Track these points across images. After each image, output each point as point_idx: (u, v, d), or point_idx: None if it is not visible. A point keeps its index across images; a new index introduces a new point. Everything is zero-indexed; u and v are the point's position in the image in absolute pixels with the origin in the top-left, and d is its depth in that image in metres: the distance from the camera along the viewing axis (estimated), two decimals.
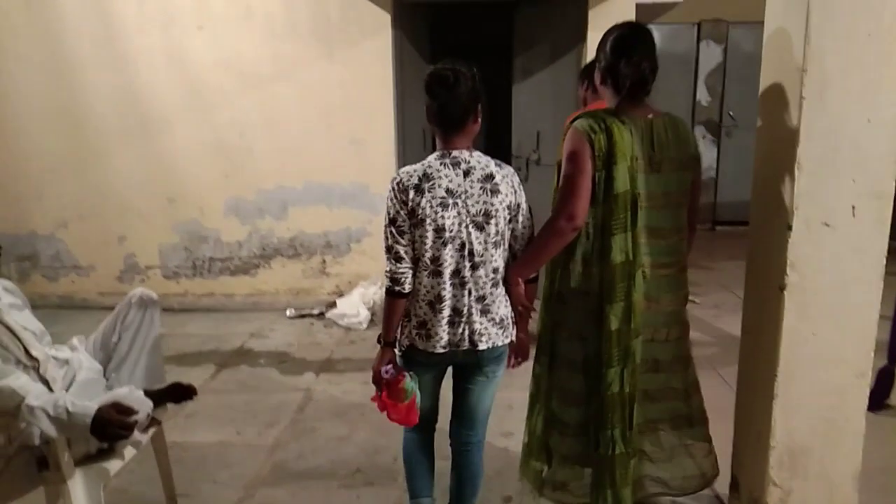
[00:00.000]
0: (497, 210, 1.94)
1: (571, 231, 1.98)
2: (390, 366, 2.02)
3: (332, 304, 4.76)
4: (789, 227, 1.98)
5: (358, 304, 4.56)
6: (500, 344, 2.03)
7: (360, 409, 3.34)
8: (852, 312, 2.02)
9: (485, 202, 1.92)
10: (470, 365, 2.07)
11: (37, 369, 2.05)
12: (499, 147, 4.70)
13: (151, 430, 2.23)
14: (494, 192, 1.94)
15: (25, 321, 2.14)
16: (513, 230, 2.02)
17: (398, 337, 2.06)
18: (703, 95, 7.50)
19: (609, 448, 2.09)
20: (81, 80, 4.70)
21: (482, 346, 2.00)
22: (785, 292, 2.01)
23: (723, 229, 7.51)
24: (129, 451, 2.10)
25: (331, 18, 4.56)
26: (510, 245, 2.04)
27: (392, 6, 4.52)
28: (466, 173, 1.93)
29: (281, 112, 4.71)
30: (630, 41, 2.05)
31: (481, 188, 1.93)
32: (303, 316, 4.79)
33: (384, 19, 4.52)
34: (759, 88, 2.16)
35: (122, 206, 4.90)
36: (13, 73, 4.71)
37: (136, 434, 2.01)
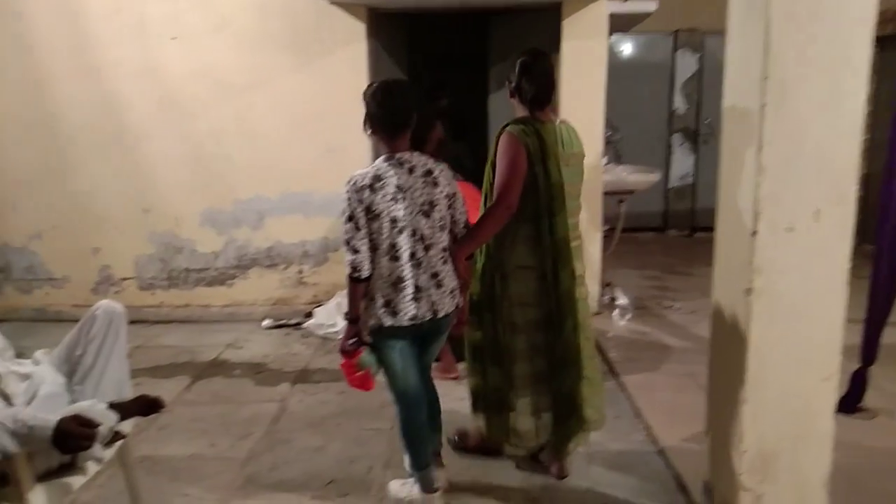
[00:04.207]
0: (438, 199, 2.32)
1: (508, 216, 2.43)
2: (355, 339, 2.35)
3: (309, 315, 4.73)
4: (754, 232, 1.99)
5: (335, 314, 4.53)
6: (451, 311, 2.42)
7: (336, 420, 3.31)
8: (818, 316, 2.04)
9: (428, 193, 2.30)
10: (431, 332, 2.43)
11: None
12: (473, 154, 4.69)
13: (117, 445, 2.19)
14: (435, 184, 2.32)
15: None
16: (452, 216, 2.40)
17: (366, 321, 2.35)
18: (679, 104, 7.55)
19: (574, 384, 2.56)
20: (55, 91, 4.65)
21: (441, 314, 2.37)
22: (752, 297, 2.02)
23: (701, 235, 7.55)
24: (92, 467, 2.05)
25: (305, 28, 4.54)
26: (451, 229, 2.42)
27: (367, 16, 4.51)
28: (410, 171, 2.29)
29: (256, 122, 4.68)
30: (529, 64, 2.52)
31: (423, 182, 2.30)
32: (279, 326, 4.75)
33: (359, 29, 4.52)
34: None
35: (96, 218, 4.84)
36: None
37: (99, 449, 1.97)
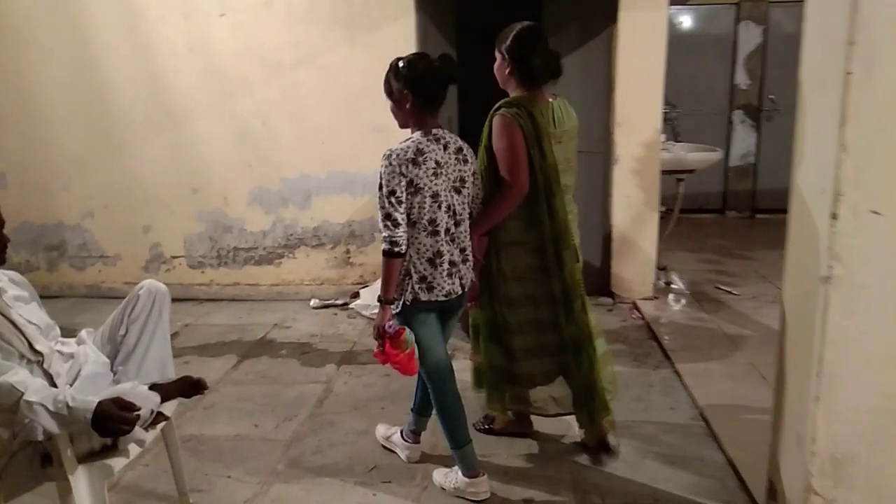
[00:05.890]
0: (468, 176, 2.37)
1: (520, 198, 2.44)
2: (393, 321, 2.31)
3: (356, 295, 4.69)
4: (834, 216, 1.81)
5: None
6: (470, 285, 2.49)
7: (381, 403, 3.25)
8: None
9: (460, 170, 2.33)
10: (455, 305, 2.47)
11: (41, 364, 2.00)
12: None
13: (159, 426, 2.16)
14: (465, 161, 2.36)
15: (31, 314, 2.09)
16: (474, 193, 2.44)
17: (398, 296, 2.33)
18: (741, 79, 7.19)
19: (591, 365, 2.57)
20: (105, 70, 4.68)
21: (466, 289, 2.44)
22: (829, 286, 1.84)
23: (763, 217, 7.23)
24: (133, 449, 2.03)
25: (352, 3, 4.44)
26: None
27: None
28: (445, 147, 2.31)
29: (303, 100, 4.62)
30: (535, 36, 2.47)
31: (456, 158, 2.32)
32: (326, 306, 4.73)
33: (407, 3, 4.39)
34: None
35: (146, 196, 4.88)
36: (38, 64, 4.71)
37: (140, 432, 1.94)
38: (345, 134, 4.64)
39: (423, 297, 2.31)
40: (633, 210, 4.55)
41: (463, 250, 2.39)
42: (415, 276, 2.30)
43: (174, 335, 4.15)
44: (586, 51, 4.53)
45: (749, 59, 7.15)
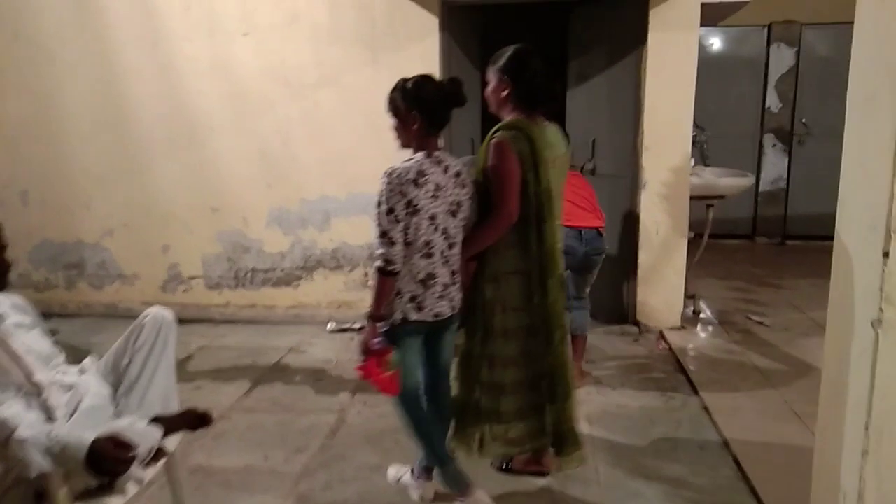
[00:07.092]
0: (464, 200, 2.37)
1: (509, 225, 2.39)
2: (380, 339, 2.29)
3: None
4: (886, 255, 1.67)
5: None
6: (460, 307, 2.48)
7: (395, 436, 3.12)
8: None
9: (457, 194, 2.34)
10: (443, 327, 2.44)
11: (39, 395, 1.91)
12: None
13: (160, 462, 2.06)
14: (463, 185, 2.37)
15: (32, 342, 2.01)
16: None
17: (387, 315, 2.32)
18: (773, 102, 7.03)
19: (564, 398, 2.50)
20: (127, 88, 4.67)
21: (456, 311, 2.43)
22: (880, 331, 1.69)
23: (793, 244, 7.02)
24: (131, 488, 1.93)
25: (376, 23, 4.39)
26: None
27: (440, 9, 4.32)
28: (445, 170, 2.31)
29: (325, 120, 4.57)
30: (532, 57, 2.44)
31: (454, 182, 2.33)
32: (343, 330, 4.63)
33: (431, 23, 4.33)
34: (847, 90, 1.85)
35: (165, 215, 4.84)
36: (61, 81, 4.71)
37: (138, 470, 1.85)
38: (366, 155, 4.55)
39: (413, 316, 2.31)
40: (661, 236, 4.41)
41: (454, 273, 2.39)
42: (406, 296, 2.30)
43: (188, 358, 4.08)
44: (614, 72, 4.42)
45: (781, 82, 6.99)
